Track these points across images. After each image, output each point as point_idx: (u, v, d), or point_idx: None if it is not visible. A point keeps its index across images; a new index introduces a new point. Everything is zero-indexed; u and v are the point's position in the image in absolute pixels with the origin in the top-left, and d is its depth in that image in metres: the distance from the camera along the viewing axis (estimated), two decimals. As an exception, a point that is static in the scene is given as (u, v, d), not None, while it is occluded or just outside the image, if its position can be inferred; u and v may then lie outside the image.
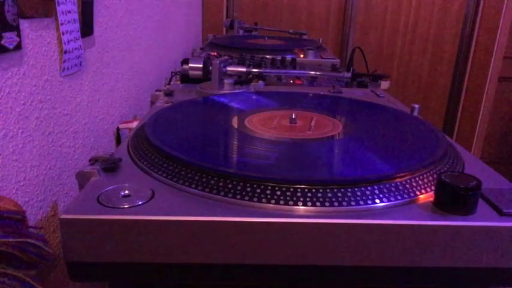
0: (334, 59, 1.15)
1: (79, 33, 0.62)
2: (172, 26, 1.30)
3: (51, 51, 0.56)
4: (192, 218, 0.34)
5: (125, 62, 0.85)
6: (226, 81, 0.73)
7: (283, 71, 0.84)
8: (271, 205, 0.35)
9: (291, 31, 1.62)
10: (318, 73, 0.78)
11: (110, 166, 0.40)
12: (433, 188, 0.37)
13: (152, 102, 0.67)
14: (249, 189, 0.36)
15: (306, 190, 0.36)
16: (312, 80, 0.91)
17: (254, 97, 0.68)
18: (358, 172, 0.42)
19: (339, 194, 0.36)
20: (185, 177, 0.38)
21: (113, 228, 0.33)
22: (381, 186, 0.37)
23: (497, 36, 1.97)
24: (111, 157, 0.42)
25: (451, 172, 0.39)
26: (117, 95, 0.81)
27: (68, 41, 0.59)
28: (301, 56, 1.14)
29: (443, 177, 0.35)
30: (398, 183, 0.38)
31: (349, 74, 0.71)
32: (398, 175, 0.39)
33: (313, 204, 0.35)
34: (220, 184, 0.37)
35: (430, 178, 0.39)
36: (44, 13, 0.53)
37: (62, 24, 0.57)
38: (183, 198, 0.36)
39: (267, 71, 0.77)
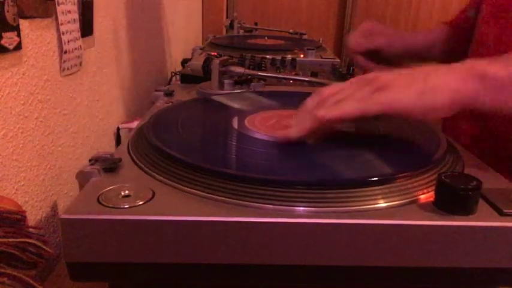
0: (334, 59, 1.15)
1: (79, 33, 0.62)
2: (172, 26, 1.30)
3: (51, 51, 0.56)
4: (192, 218, 0.34)
5: (125, 62, 0.85)
6: (226, 81, 0.73)
7: (280, 75, 0.84)
8: (271, 205, 0.35)
9: (291, 31, 1.62)
10: (314, 80, 0.78)
11: (110, 166, 0.40)
12: (433, 188, 0.37)
13: (152, 102, 0.67)
14: (249, 189, 0.36)
15: (306, 190, 0.36)
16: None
17: (254, 97, 0.68)
18: (358, 172, 0.42)
19: (339, 194, 0.36)
20: (185, 177, 0.38)
21: (113, 228, 0.33)
22: (381, 186, 0.37)
23: (497, 36, 1.97)
24: (111, 157, 0.42)
25: (451, 172, 0.39)
26: (117, 95, 0.81)
27: (68, 41, 0.59)
28: (301, 56, 1.14)
29: (443, 177, 0.35)
30: (398, 183, 0.38)
31: None
32: (398, 175, 0.39)
33: (314, 205, 0.35)
34: (220, 184, 0.37)
35: (430, 178, 0.39)
36: (44, 13, 0.53)
37: (62, 24, 0.57)
38: (183, 198, 0.36)
39: (264, 74, 0.77)
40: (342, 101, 0.44)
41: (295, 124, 0.47)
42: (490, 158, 0.59)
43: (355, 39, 0.77)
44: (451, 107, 0.43)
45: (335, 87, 0.47)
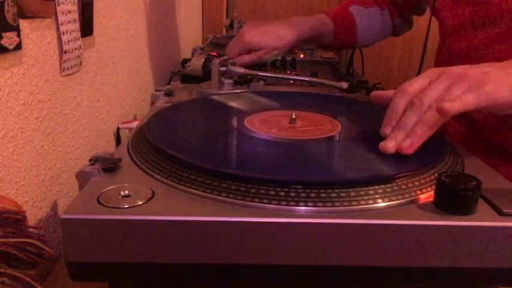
0: (334, 58, 1.15)
1: (79, 33, 0.62)
2: (172, 26, 1.30)
3: (51, 51, 0.56)
4: (192, 218, 0.34)
5: (125, 62, 0.85)
6: (226, 81, 0.73)
7: (280, 75, 0.84)
8: (272, 205, 0.35)
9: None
10: (314, 80, 0.79)
11: (110, 166, 0.40)
12: (433, 188, 0.37)
13: (152, 102, 0.67)
14: (249, 189, 0.36)
15: (307, 190, 0.36)
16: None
17: (254, 97, 0.68)
18: (359, 172, 0.42)
19: (340, 194, 0.36)
20: (185, 177, 0.38)
21: (113, 228, 0.33)
22: (381, 186, 0.37)
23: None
24: (111, 157, 0.42)
25: (451, 172, 0.39)
26: (117, 95, 0.81)
27: (68, 41, 0.59)
28: (301, 56, 1.14)
29: (443, 177, 0.35)
30: (399, 183, 0.38)
31: (346, 85, 0.72)
32: (398, 175, 0.39)
33: (314, 205, 0.35)
34: (220, 184, 0.37)
35: (430, 178, 0.39)
36: (44, 13, 0.53)
37: (62, 24, 0.57)
38: (183, 198, 0.36)
39: (264, 74, 0.78)
40: (450, 95, 0.43)
41: (401, 134, 0.44)
42: (476, 146, 0.59)
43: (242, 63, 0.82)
44: None
45: (418, 83, 0.45)
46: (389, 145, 0.43)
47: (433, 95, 0.44)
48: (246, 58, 0.83)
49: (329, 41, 0.92)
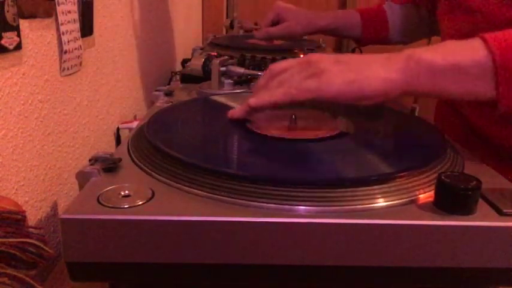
0: (334, 59, 1.14)
1: (79, 33, 0.62)
2: (172, 26, 1.30)
3: (51, 51, 0.56)
4: (192, 218, 0.34)
5: (125, 62, 0.85)
6: (226, 81, 0.73)
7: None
8: (272, 205, 0.35)
9: (291, 31, 1.61)
10: None
11: (110, 166, 0.40)
12: (433, 187, 0.37)
13: (152, 102, 0.67)
14: (249, 189, 0.36)
15: (307, 190, 0.36)
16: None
17: (254, 97, 0.68)
18: (358, 172, 0.42)
19: (339, 194, 0.36)
20: (185, 177, 0.38)
21: (113, 228, 0.33)
22: (381, 186, 0.37)
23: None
24: (111, 157, 0.42)
25: (451, 172, 0.39)
26: (117, 95, 0.81)
27: (68, 41, 0.59)
28: (301, 56, 1.13)
29: (443, 177, 0.35)
30: (398, 183, 0.38)
31: None
32: (398, 175, 0.39)
33: (314, 204, 0.35)
34: (221, 184, 0.37)
35: (430, 178, 0.39)
36: (44, 13, 0.53)
37: (62, 24, 0.57)
38: (183, 198, 0.36)
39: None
40: (278, 86, 0.49)
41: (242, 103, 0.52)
42: (480, 151, 0.59)
43: (267, 32, 0.94)
44: (385, 94, 0.45)
45: (285, 64, 0.51)
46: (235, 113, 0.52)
47: (282, 78, 0.49)
48: (273, 29, 0.93)
49: (357, 33, 0.95)
